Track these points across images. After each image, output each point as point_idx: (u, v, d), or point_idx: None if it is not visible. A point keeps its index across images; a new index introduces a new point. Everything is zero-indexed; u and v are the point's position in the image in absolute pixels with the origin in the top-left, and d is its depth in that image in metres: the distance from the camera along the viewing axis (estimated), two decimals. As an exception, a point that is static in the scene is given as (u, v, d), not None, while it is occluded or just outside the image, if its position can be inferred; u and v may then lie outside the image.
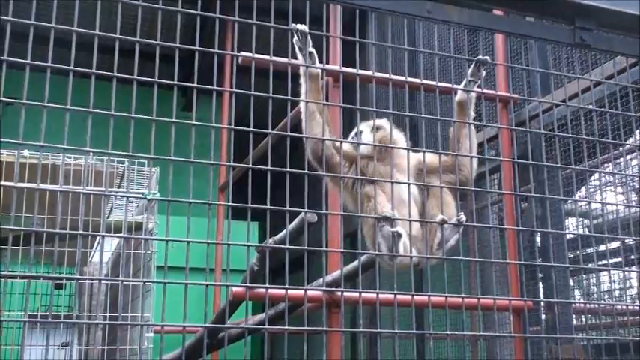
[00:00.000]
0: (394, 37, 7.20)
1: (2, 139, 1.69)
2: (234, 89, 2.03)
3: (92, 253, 6.42)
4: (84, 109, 1.79)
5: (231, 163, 2.01)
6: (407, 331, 2.12)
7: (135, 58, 1.89)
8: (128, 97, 1.80)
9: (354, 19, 2.24)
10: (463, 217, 3.39)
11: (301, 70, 3.46)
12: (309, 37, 3.36)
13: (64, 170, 3.83)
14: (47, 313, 5.33)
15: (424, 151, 2.38)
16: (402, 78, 2.49)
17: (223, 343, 5.06)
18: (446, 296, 2.00)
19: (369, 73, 2.46)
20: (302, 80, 3.43)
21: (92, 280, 6.00)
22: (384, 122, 3.63)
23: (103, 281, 5.83)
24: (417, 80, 2.47)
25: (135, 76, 1.85)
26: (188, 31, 10.10)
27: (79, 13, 1.87)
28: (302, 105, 3.47)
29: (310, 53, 3.41)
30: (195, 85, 1.92)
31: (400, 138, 3.70)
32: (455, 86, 3.28)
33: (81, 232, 1.64)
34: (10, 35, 1.76)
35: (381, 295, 2.01)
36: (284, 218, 2.11)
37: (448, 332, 2.01)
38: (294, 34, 3.33)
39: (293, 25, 3.13)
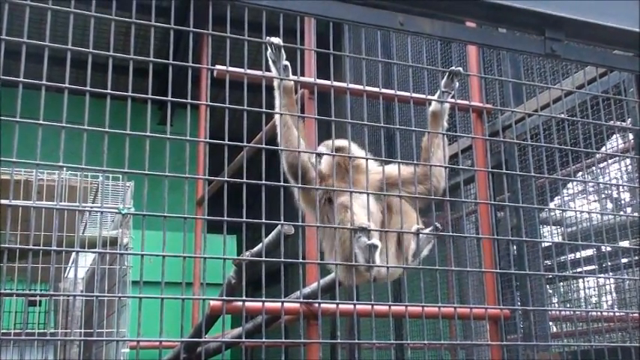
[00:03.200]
0: (369, 49, 7.25)
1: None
2: (209, 102, 2.03)
3: (67, 269, 6.35)
4: (57, 123, 1.78)
5: (207, 177, 2.00)
6: (385, 341, 2.12)
7: (108, 72, 1.88)
8: (102, 111, 1.79)
9: (328, 31, 2.25)
10: (439, 225, 3.41)
11: (275, 83, 3.47)
12: (283, 51, 3.37)
13: (37, 186, 3.79)
14: (21, 331, 5.26)
15: (384, 161, 2.39)
16: (377, 89, 2.50)
17: (201, 358, 5.04)
18: (423, 306, 2.01)
19: (344, 84, 2.48)
20: (276, 94, 3.43)
21: (67, 296, 5.93)
22: (344, 142, 3.62)
23: (78, 297, 5.77)
24: (392, 92, 2.49)
25: (108, 91, 1.84)
26: (164, 45, 10.08)
27: (50, 27, 1.86)
28: (277, 118, 3.47)
29: (285, 66, 3.41)
30: (170, 98, 1.92)
31: (361, 155, 3.70)
32: (429, 97, 3.30)
33: (55, 247, 1.62)
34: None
35: (358, 306, 2.01)
36: (261, 231, 2.11)
37: (426, 342, 2.01)
38: (269, 48, 3.34)
39: (267, 38, 3.13)
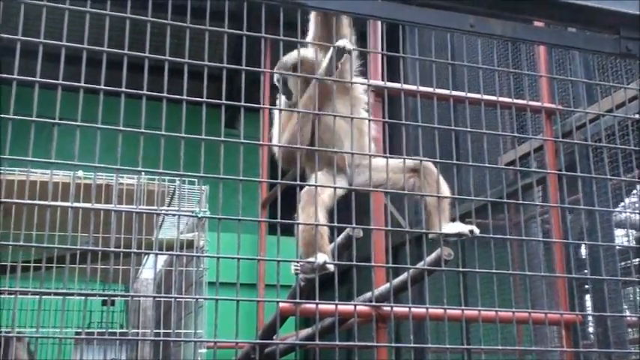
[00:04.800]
0: (428, 50, 7.19)
1: (58, 161, 1.75)
2: (273, 107, 2.06)
3: (140, 270, 6.51)
4: (135, 129, 1.84)
5: (280, 180, 2.03)
6: (457, 346, 2.10)
7: (184, 79, 1.93)
8: (177, 117, 1.84)
9: (389, 33, 2.25)
10: (475, 230, 3.36)
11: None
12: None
13: (118, 190, 3.93)
14: (104, 330, 5.44)
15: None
16: (447, 92, 2.49)
17: (269, 359, 5.09)
18: (496, 311, 1.98)
19: (413, 87, 2.47)
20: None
21: (146, 297, 6.08)
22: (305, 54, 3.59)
23: (148, 298, 5.91)
24: (462, 94, 2.47)
25: (184, 97, 1.89)
26: (236, 49, 10.17)
27: (108, 31, 1.92)
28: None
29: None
30: (242, 104, 1.95)
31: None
32: (500, 99, 3.25)
33: (135, 250, 1.67)
34: (43, 55, 1.81)
35: (428, 310, 2.00)
36: None
37: (500, 347, 1.99)
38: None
39: (338, 43, 3.14)
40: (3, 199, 1.79)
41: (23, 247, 1.74)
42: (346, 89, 3.36)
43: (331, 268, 2.99)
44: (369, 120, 3.40)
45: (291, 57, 3.61)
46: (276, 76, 3.72)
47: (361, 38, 2.20)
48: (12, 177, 3.54)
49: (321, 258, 2.97)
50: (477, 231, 3.36)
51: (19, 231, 1.95)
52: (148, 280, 7.24)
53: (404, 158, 2.49)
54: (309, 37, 3.49)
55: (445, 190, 3.52)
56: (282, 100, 3.62)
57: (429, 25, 2.09)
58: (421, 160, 3.28)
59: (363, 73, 3.85)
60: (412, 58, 3.61)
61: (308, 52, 3.56)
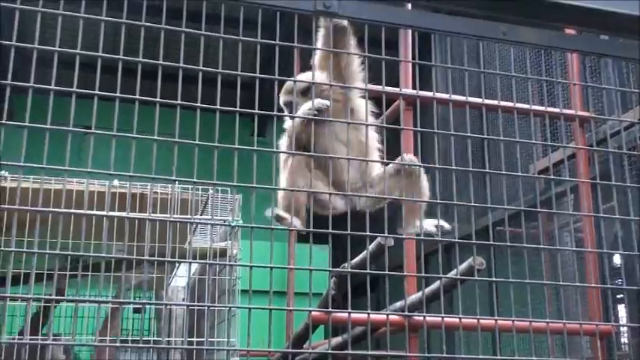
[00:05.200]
0: (455, 58, 7.16)
1: (95, 170, 1.77)
2: (308, 116, 2.06)
3: (171, 278, 6.56)
4: (170, 139, 1.86)
5: (311, 189, 2.03)
6: (490, 357, 2.08)
7: (217, 89, 1.95)
8: (209, 126, 1.85)
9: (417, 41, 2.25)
10: (446, 225, 3.37)
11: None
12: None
13: (152, 199, 3.97)
14: (138, 338, 5.49)
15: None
16: (479, 100, 2.48)
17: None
18: (530, 321, 1.96)
19: (446, 96, 2.46)
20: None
21: (180, 305, 6.12)
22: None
23: (183, 306, 5.95)
24: (495, 102, 2.45)
25: (218, 106, 1.90)
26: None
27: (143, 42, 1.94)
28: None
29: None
30: (275, 113, 1.97)
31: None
32: (533, 108, 3.23)
33: (169, 258, 1.69)
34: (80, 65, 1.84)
35: (461, 320, 1.99)
36: (353, 244, 2.10)
37: (534, 358, 1.97)
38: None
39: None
40: (41, 208, 1.82)
41: (59, 255, 1.76)
42: (347, 110, 3.39)
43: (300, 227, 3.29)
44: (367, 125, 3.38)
45: (302, 83, 3.59)
46: (283, 99, 3.72)
47: (375, 44, 2.18)
48: (49, 186, 3.60)
49: (296, 222, 3.21)
50: (447, 226, 3.37)
51: (56, 239, 1.98)
52: (178, 288, 7.29)
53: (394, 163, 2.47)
54: (318, 44, 3.47)
55: (425, 186, 3.61)
56: (290, 124, 3.60)
57: (462, 33, 2.08)
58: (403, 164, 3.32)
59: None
60: (443, 67, 3.59)
61: (317, 77, 3.48)
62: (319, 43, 3.44)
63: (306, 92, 3.51)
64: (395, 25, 2.03)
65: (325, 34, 3.39)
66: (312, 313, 4.40)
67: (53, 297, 4.41)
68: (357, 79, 3.53)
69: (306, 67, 3.72)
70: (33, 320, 5.14)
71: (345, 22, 3.25)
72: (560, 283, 2.21)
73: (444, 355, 1.92)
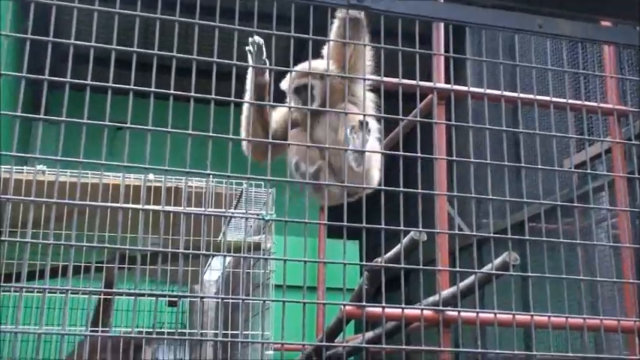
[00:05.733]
0: (490, 50, 7.09)
1: (131, 164, 1.79)
2: (340, 110, 2.06)
3: (204, 271, 6.61)
4: (204, 133, 1.87)
5: (345, 184, 2.03)
6: (526, 352, 2.06)
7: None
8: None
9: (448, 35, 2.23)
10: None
11: (248, 78, 3.46)
12: (263, 49, 3.34)
13: (187, 192, 4.01)
14: (173, 330, 5.56)
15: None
16: (515, 94, 2.45)
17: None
18: (567, 317, 1.94)
19: (481, 90, 2.44)
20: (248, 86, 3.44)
21: (215, 298, 6.17)
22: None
23: (214, 299, 6.00)
24: (530, 96, 2.42)
25: (252, 101, 1.91)
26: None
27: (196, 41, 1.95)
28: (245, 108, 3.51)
29: (263, 62, 3.36)
30: (310, 107, 1.97)
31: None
32: (569, 101, 3.18)
33: (204, 251, 1.70)
34: (116, 62, 1.86)
35: (496, 315, 1.97)
36: (384, 238, 2.09)
37: (571, 354, 1.95)
38: (251, 46, 3.34)
39: (251, 38, 3.19)
40: (77, 202, 1.85)
41: (96, 247, 1.78)
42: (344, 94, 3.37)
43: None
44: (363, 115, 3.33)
45: (322, 62, 3.56)
46: (299, 82, 3.63)
47: (407, 38, 2.15)
48: (86, 180, 3.65)
49: (311, 169, 3.16)
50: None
51: (93, 232, 2.01)
52: (210, 282, 7.35)
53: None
54: (332, 36, 3.46)
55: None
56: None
57: (497, 26, 2.06)
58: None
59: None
60: (477, 60, 3.56)
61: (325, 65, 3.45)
62: (332, 34, 3.45)
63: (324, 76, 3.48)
64: (428, 18, 2.01)
65: (340, 25, 3.39)
66: (346, 307, 4.39)
67: (114, 290, 4.48)
68: (361, 73, 3.50)
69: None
70: (96, 312, 5.22)
71: (360, 15, 3.24)
72: (598, 278, 2.19)
73: (478, 350, 1.91)
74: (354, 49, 3.34)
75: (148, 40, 1.90)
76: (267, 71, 3.46)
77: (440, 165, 5.12)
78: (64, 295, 2.20)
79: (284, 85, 3.59)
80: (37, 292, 4.09)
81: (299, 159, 3.28)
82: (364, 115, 2.69)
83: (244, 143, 3.37)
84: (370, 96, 3.41)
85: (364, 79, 2.34)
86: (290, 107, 3.19)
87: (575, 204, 2.21)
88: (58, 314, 5.04)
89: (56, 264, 4.12)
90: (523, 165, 2.21)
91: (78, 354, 4.60)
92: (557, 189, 2.25)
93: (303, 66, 3.52)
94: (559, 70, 2.96)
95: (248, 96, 3.44)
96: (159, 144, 1.82)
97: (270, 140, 2.95)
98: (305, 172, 3.10)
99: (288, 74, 3.50)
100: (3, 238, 1.88)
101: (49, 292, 1.82)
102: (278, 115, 3.72)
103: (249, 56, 3.41)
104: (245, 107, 3.50)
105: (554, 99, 2.23)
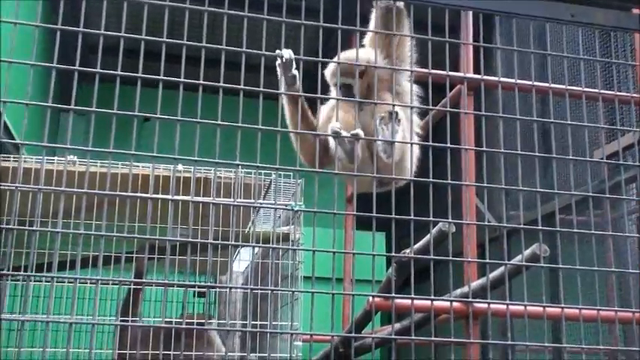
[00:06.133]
0: (521, 41, 6.96)
1: (160, 155, 1.80)
2: (371, 101, 2.04)
3: (232, 262, 6.63)
4: (233, 124, 1.87)
5: (375, 174, 2.02)
6: (555, 345, 2.04)
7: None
8: (272, 112, 1.86)
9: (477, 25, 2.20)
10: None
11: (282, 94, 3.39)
12: (294, 62, 3.19)
13: (216, 183, 4.02)
14: (203, 321, 5.60)
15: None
16: (546, 85, 2.42)
17: (356, 354, 5.10)
18: (598, 309, 1.92)
19: (512, 80, 2.41)
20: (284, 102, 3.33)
21: (244, 289, 6.19)
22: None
23: (241, 290, 6.02)
24: (562, 86, 2.39)
25: (281, 91, 1.91)
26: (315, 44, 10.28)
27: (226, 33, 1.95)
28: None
29: (293, 76, 3.20)
30: (339, 97, 1.96)
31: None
32: (601, 91, 3.13)
33: (233, 242, 1.71)
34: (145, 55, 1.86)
35: (526, 308, 1.95)
36: (410, 229, 2.08)
37: (601, 347, 1.92)
38: (278, 59, 3.16)
39: (278, 51, 3.06)
40: (107, 192, 1.87)
41: (127, 238, 1.80)
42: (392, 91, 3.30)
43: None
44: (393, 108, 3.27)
45: (366, 52, 3.51)
46: (338, 80, 3.58)
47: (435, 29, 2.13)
48: (115, 170, 3.68)
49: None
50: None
51: (123, 223, 2.02)
52: (237, 273, 7.37)
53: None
54: (371, 25, 3.42)
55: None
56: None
57: (529, 15, 2.03)
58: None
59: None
60: (508, 50, 3.51)
61: (371, 56, 3.37)
62: (372, 24, 3.41)
63: (361, 74, 3.44)
64: (458, 7, 1.99)
65: (380, 14, 3.35)
66: (374, 298, 4.39)
67: (144, 280, 4.52)
68: (406, 63, 3.45)
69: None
70: (126, 302, 5.27)
71: (401, 4, 3.21)
72: (630, 270, 2.16)
73: (508, 342, 1.89)
74: (398, 39, 3.32)
75: (175, 31, 1.90)
76: (298, 80, 3.36)
77: (468, 156, 5.08)
78: (94, 285, 2.22)
79: (328, 74, 3.54)
80: (68, 282, 4.13)
81: (339, 127, 3.11)
82: (393, 106, 2.66)
83: (297, 150, 3.29)
84: (414, 88, 3.36)
85: (393, 69, 2.33)
86: (336, 99, 3.16)
87: (607, 195, 2.17)
88: (88, 304, 5.10)
89: (87, 254, 4.16)
90: (554, 156, 2.18)
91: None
92: (589, 179, 2.22)
93: (347, 56, 3.41)
94: (590, 59, 2.91)
95: (286, 110, 3.36)
96: (188, 135, 1.83)
97: (316, 132, 2.84)
98: (343, 140, 3.01)
99: (332, 64, 3.45)
100: (35, 228, 1.90)
101: (79, 283, 1.84)
102: (323, 116, 3.65)
103: (278, 69, 3.24)
104: (287, 118, 3.42)
105: (586, 89, 2.19)
